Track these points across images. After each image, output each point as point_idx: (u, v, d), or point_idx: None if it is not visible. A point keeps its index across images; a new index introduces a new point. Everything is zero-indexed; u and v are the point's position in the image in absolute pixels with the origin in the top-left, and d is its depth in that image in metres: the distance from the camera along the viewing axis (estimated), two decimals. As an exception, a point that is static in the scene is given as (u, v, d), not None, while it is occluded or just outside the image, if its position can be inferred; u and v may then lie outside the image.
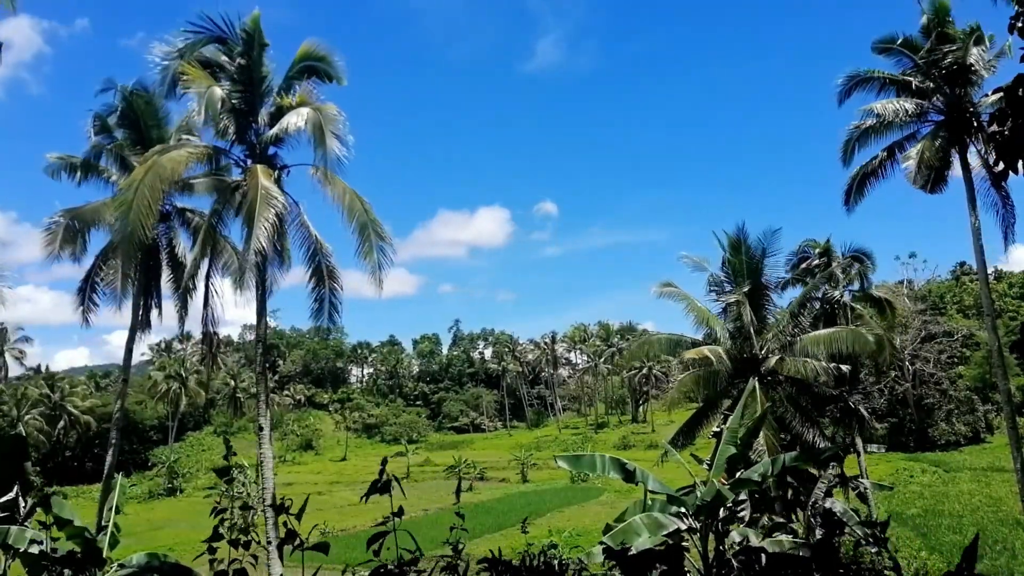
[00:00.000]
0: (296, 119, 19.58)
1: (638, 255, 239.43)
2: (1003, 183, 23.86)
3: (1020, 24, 5.00)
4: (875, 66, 26.75)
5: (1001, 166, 5.29)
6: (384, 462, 3.75)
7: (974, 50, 24.05)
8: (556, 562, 4.24)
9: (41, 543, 6.15)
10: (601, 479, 66.73)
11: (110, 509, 7.67)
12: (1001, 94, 5.59)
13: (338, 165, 19.81)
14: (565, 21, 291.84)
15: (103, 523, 7.90)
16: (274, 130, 20.43)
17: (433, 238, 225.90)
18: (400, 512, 3.42)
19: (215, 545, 3.79)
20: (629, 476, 8.00)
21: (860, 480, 20.00)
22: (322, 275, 21.36)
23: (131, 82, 25.95)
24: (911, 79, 25.72)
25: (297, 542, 3.28)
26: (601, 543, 7.13)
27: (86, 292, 26.72)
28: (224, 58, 20.72)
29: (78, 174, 26.37)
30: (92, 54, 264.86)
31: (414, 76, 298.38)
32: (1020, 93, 5.12)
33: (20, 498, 6.86)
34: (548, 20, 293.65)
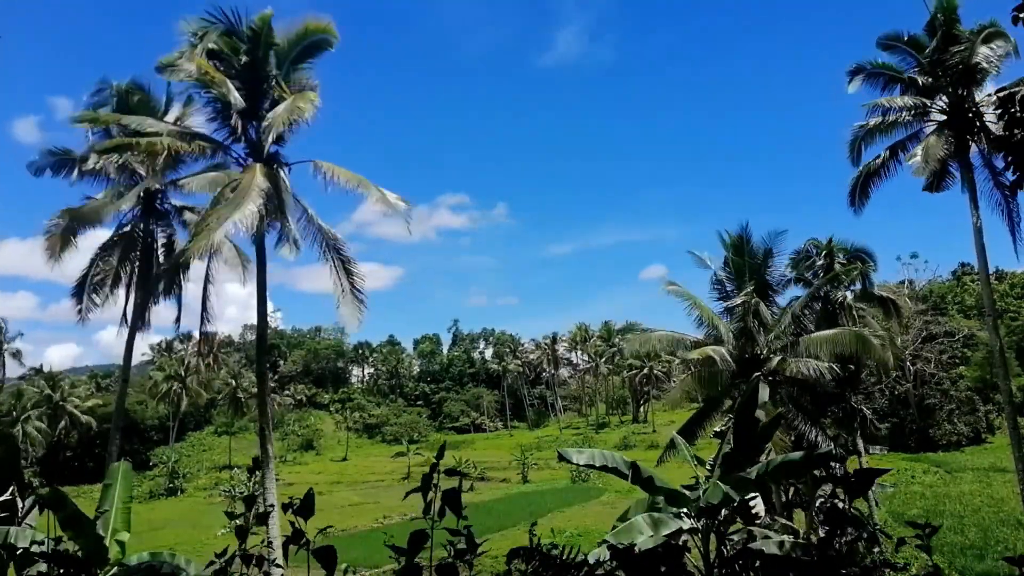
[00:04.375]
0: (279, 111, 19.75)
1: (646, 253, 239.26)
2: (1019, 190, 23.80)
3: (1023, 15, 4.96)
4: (880, 57, 26.84)
5: (1013, 174, 5.27)
6: (440, 453, 3.59)
7: (983, 48, 23.97)
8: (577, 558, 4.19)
9: (42, 543, 6.11)
10: (602, 479, 66.67)
11: (108, 508, 7.62)
12: (1005, 92, 5.56)
13: (280, 134, 20.08)
14: (584, 13, 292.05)
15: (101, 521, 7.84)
16: (264, 124, 20.46)
17: (432, 232, 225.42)
18: (443, 512, 3.30)
19: (226, 562, 3.74)
20: (632, 473, 7.97)
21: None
22: (339, 268, 21.39)
23: (124, 81, 26.08)
24: (916, 77, 25.75)
25: (303, 542, 3.21)
26: (604, 542, 7.09)
27: (84, 291, 26.70)
28: (229, 53, 20.67)
29: (70, 170, 26.37)
30: (88, 51, 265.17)
31: (426, 67, 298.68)
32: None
33: (17, 498, 6.83)
34: (567, 12, 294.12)
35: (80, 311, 26.71)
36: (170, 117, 25.89)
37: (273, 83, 21.05)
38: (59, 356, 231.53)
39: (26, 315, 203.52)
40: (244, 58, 20.62)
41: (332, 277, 21.35)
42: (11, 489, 6.84)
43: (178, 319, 27.22)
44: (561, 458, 8.82)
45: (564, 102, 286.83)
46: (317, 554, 3.00)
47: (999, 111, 5.10)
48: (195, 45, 19.72)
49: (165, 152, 19.64)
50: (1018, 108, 4.96)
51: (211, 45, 20.11)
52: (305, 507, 3.34)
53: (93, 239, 27.94)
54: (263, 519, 3.73)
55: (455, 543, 3.31)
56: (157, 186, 26.65)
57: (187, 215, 27.90)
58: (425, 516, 3.25)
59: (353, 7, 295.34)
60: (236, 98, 19.94)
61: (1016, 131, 5.04)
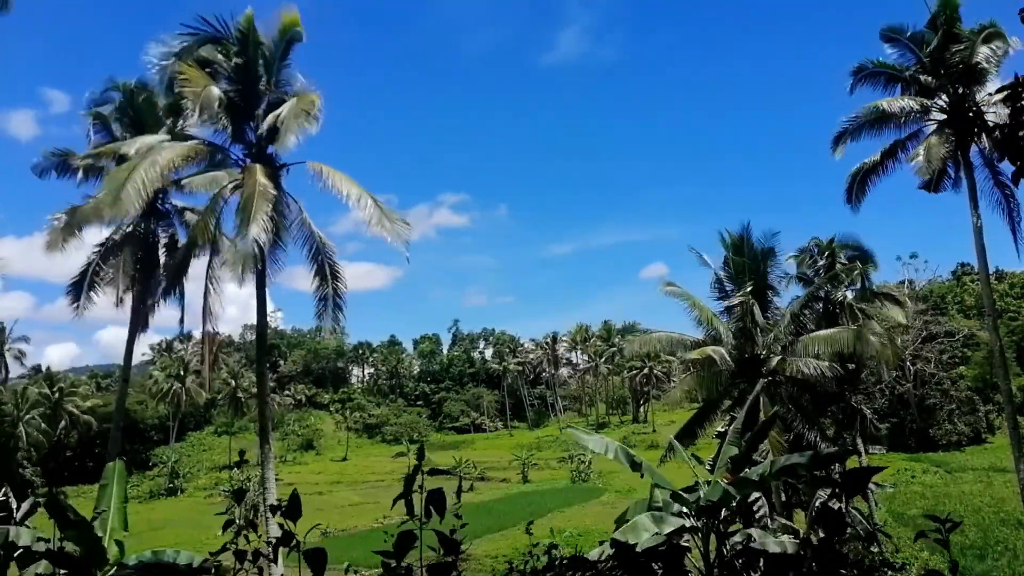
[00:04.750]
0: (280, 111, 19.70)
1: (647, 253, 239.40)
2: (1017, 184, 23.79)
3: None
4: (881, 54, 26.83)
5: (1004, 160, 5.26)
6: (420, 454, 3.62)
7: (983, 48, 23.98)
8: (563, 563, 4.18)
9: (43, 542, 6.11)
10: (602, 479, 66.74)
11: (105, 508, 7.60)
12: (1007, 92, 5.55)
13: (294, 144, 20.03)
14: (586, 14, 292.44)
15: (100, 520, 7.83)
16: (264, 126, 20.45)
17: (432, 231, 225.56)
18: (429, 512, 3.29)
19: (219, 559, 3.74)
20: (635, 467, 7.98)
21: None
22: (325, 274, 21.30)
23: (132, 80, 26.10)
24: (917, 75, 25.73)
25: (294, 543, 3.20)
26: (605, 541, 7.09)
27: (83, 289, 26.63)
28: (220, 57, 20.67)
29: (79, 172, 26.36)
30: (89, 51, 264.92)
31: (427, 67, 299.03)
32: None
33: (11, 498, 6.84)
34: (568, 12, 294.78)
35: (76, 307, 26.62)
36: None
37: (265, 83, 21.04)
38: (57, 356, 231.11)
39: (20, 314, 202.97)
40: (236, 60, 20.63)
41: (314, 283, 21.30)
42: (4, 489, 6.85)
43: (181, 319, 27.07)
44: (569, 430, 8.87)
45: (564, 102, 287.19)
46: (308, 556, 2.99)
47: (1004, 99, 5.09)
48: (180, 56, 19.67)
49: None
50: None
51: (200, 53, 20.13)
52: (291, 509, 3.33)
53: (93, 238, 27.94)
54: (254, 526, 3.72)
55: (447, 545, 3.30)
56: (158, 185, 26.61)
57: (188, 215, 27.88)
58: (411, 517, 3.24)
59: (354, 6, 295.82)
60: (215, 106, 19.84)
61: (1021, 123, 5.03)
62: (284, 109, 19.66)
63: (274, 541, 3.34)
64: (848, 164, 27.82)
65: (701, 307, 26.17)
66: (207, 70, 20.34)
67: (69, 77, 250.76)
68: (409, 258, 20.68)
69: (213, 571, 3.78)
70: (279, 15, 20.84)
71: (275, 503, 3.60)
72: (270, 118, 20.04)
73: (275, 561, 3.34)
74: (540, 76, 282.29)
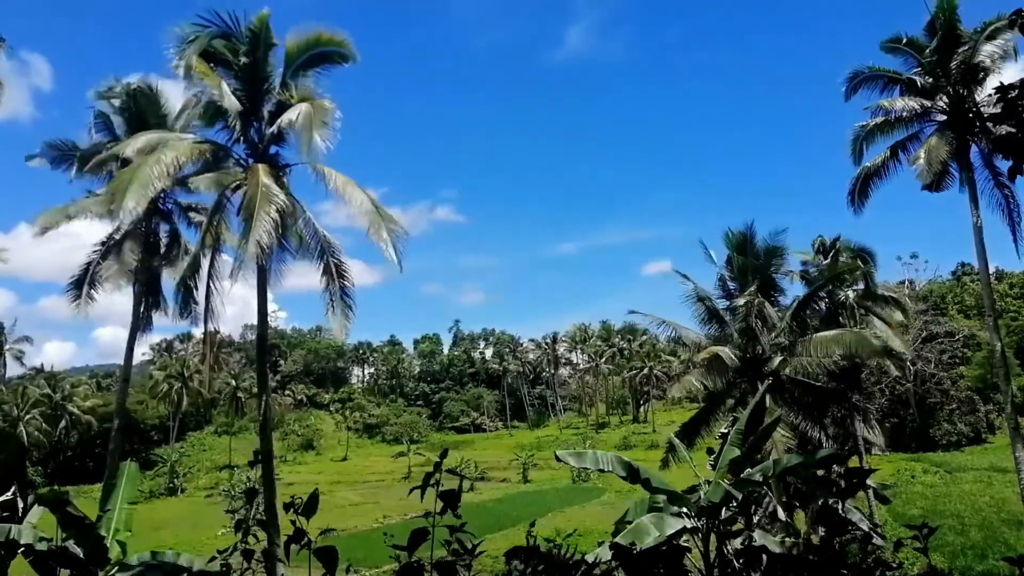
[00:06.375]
0: (292, 115, 19.56)
1: (648, 253, 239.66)
2: (1012, 181, 23.80)
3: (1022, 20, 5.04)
4: (884, 64, 26.79)
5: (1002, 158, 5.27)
6: (443, 455, 3.66)
7: (986, 46, 23.93)
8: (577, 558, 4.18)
9: (50, 540, 6.12)
10: (602, 479, 66.69)
11: (111, 508, 7.61)
12: (1004, 93, 5.56)
13: (321, 158, 19.87)
14: (591, 13, 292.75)
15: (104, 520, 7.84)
16: (273, 128, 20.40)
17: (433, 229, 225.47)
18: (444, 510, 3.33)
19: (228, 558, 3.76)
20: (631, 474, 7.94)
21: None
22: (332, 274, 21.20)
23: (132, 79, 26.07)
24: (915, 78, 25.71)
25: (304, 541, 3.22)
26: (602, 542, 7.09)
27: (83, 286, 26.53)
28: (228, 54, 20.61)
29: (70, 165, 26.26)
30: (93, 51, 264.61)
31: (428, 65, 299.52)
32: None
33: (19, 497, 6.85)
34: (573, 12, 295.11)
35: (77, 305, 26.51)
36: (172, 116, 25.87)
37: (276, 84, 20.97)
38: (54, 355, 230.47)
39: (2, 313, 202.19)
40: (244, 59, 20.54)
41: (322, 282, 21.21)
42: (12, 489, 6.86)
43: (191, 315, 26.85)
44: (559, 460, 8.71)
45: (566, 102, 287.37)
46: (319, 553, 3.01)
47: (998, 99, 5.12)
48: (185, 49, 19.59)
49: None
50: (1015, 97, 4.96)
51: (209, 48, 20.03)
52: (309, 507, 3.35)
53: (93, 236, 27.91)
54: (264, 524, 3.75)
55: (451, 541, 3.33)
56: (162, 184, 26.55)
57: (190, 213, 27.83)
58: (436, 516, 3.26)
59: (361, 5, 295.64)
60: (232, 102, 19.84)
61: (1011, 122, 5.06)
62: (298, 116, 19.31)
63: (279, 540, 3.36)
64: (848, 163, 27.80)
65: (706, 305, 26.16)
66: (212, 66, 20.27)
67: (53, 43, 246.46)
68: (402, 267, 20.41)
69: (220, 570, 3.80)
70: (316, 30, 20.81)
71: (274, 503, 3.61)
72: (283, 120, 19.81)
73: (287, 560, 3.34)
74: (544, 75, 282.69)
